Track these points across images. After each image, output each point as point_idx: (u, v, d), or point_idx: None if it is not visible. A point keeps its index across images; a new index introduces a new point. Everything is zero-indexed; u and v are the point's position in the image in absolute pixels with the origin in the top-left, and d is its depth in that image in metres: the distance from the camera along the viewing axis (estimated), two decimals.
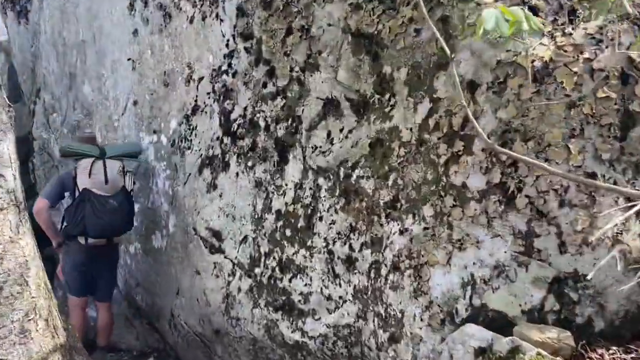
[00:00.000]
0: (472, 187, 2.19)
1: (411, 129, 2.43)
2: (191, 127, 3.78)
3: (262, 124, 3.20)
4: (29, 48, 6.12)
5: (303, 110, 2.96)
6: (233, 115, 3.41)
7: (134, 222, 4.43)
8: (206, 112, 3.64)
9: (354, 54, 2.69)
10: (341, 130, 2.78)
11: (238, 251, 3.38)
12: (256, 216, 3.26)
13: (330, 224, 2.82)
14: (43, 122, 5.88)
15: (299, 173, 2.99)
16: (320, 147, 2.87)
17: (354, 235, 2.71)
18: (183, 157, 3.86)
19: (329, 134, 2.84)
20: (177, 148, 3.93)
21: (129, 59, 4.39)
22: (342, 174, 2.76)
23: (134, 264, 4.57)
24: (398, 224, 2.47)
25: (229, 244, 3.44)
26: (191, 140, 3.78)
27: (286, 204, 3.06)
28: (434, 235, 2.32)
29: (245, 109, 3.32)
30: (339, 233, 2.78)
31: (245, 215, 3.33)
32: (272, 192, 3.16)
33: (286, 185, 3.07)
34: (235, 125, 3.39)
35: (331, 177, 2.82)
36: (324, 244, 2.85)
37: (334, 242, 2.80)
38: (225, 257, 3.47)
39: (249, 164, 3.30)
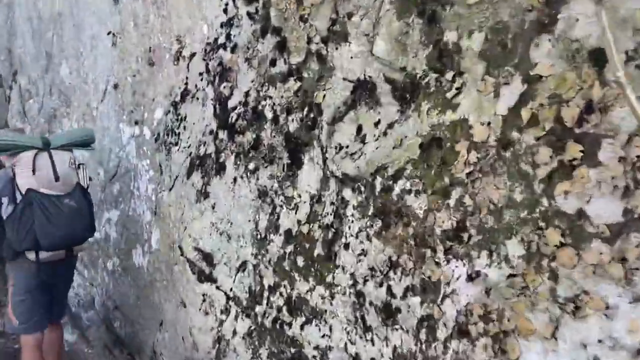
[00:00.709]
0: (597, 218, 1.39)
1: (489, 124, 1.64)
2: (179, 117, 2.99)
3: (268, 114, 2.43)
4: (4, 24, 5.35)
5: (324, 96, 2.20)
6: (231, 103, 2.64)
7: (113, 232, 3.67)
8: (198, 98, 2.85)
9: (399, 17, 1.91)
10: (377, 125, 2.01)
11: (234, 281, 2.59)
12: (258, 236, 2.47)
13: (359, 254, 2.03)
14: (19, 110, 5.11)
15: (317, 181, 2.23)
16: (347, 147, 2.10)
17: (395, 274, 1.91)
18: (169, 155, 3.07)
19: (359, 129, 2.08)
20: (162, 143, 3.14)
21: (109, 33, 3.60)
22: (378, 186, 1.97)
23: (112, 283, 3.79)
24: (465, 265, 1.69)
25: (223, 270, 2.65)
26: (179, 134, 2.99)
27: (299, 222, 2.29)
28: (526, 288, 1.52)
29: (247, 94, 2.55)
30: (372, 269, 1.99)
31: (245, 235, 2.54)
32: (280, 206, 2.37)
33: (299, 196, 2.30)
34: (234, 116, 2.62)
35: (362, 189, 2.03)
36: (351, 282, 2.06)
37: (365, 281, 2.01)
38: (217, 288, 2.68)
39: (251, 166, 2.51)
